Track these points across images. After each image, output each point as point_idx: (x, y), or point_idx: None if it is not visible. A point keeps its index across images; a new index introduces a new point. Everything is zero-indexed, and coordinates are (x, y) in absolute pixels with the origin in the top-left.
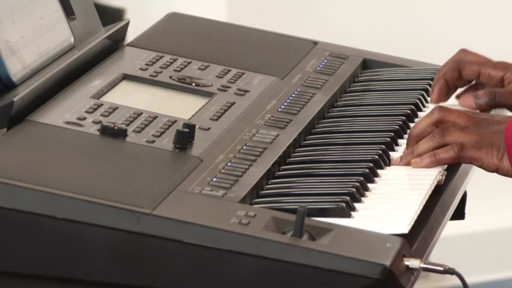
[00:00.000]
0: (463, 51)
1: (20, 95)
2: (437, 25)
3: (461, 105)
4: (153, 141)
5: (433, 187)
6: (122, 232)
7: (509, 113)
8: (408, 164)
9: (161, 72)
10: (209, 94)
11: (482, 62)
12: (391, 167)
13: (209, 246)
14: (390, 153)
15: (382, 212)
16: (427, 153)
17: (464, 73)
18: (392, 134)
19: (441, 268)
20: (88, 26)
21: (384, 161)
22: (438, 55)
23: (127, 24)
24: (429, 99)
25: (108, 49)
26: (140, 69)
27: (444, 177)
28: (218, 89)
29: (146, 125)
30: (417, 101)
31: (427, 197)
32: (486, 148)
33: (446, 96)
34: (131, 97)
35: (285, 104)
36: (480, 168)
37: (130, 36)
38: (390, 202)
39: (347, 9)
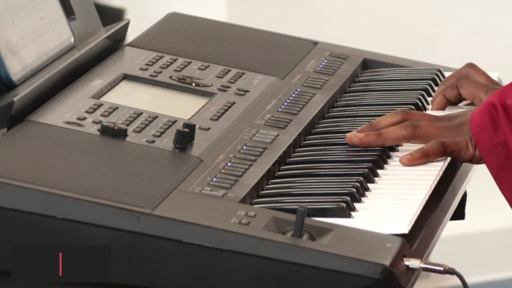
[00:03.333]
0: (469, 67)
1: (20, 95)
2: (437, 25)
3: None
4: (153, 141)
5: (435, 184)
6: (122, 232)
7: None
8: (368, 139)
9: (161, 72)
10: (209, 94)
11: (478, 85)
12: (391, 167)
13: (209, 246)
14: (390, 153)
15: (382, 212)
16: (417, 151)
17: (461, 92)
18: None
19: (441, 268)
20: (88, 26)
21: (384, 161)
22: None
23: (127, 24)
24: (429, 99)
25: (108, 49)
26: (140, 69)
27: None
28: (218, 89)
29: (146, 125)
30: (417, 101)
31: (427, 197)
32: (461, 140)
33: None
34: (131, 97)
35: (285, 104)
36: (457, 159)
37: (130, 36)
38: (390, 202)
39: (347, 9)
